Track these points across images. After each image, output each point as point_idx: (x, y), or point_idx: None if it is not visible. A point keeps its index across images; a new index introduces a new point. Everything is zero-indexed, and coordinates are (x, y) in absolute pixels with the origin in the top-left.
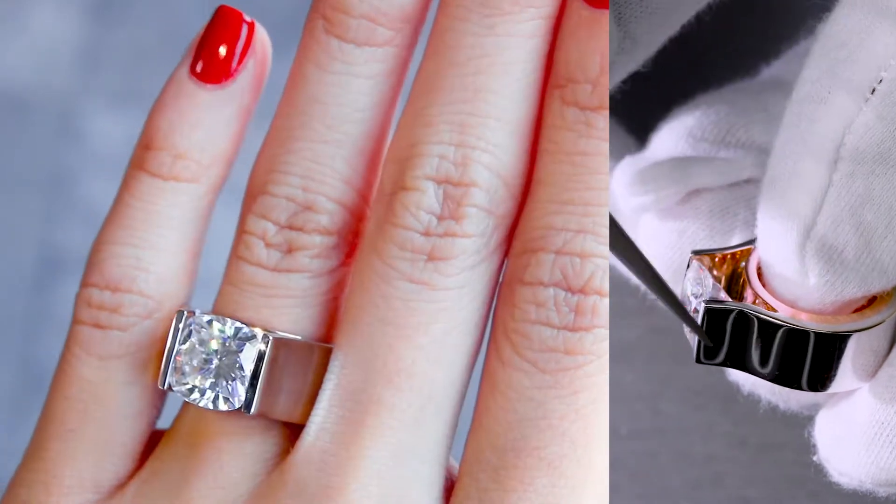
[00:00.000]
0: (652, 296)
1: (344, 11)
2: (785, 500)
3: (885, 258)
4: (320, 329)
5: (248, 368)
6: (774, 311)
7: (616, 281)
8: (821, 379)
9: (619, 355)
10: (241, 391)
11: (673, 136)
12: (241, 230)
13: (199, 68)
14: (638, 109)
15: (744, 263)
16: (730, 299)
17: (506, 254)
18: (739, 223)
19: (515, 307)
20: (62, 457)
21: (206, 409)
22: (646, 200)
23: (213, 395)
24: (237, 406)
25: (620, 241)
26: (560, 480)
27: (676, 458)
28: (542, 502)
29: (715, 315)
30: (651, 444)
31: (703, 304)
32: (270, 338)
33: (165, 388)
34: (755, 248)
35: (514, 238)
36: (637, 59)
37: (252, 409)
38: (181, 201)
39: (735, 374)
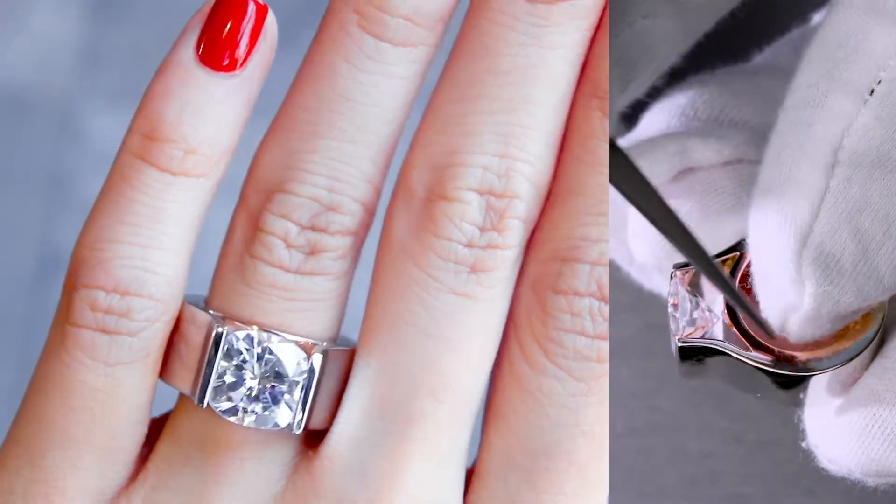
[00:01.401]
0: (646, 292)
1: (385, 10)
2: (781, 497)
3: (882, 267)
4: (336, 330)
5: (297, 391)
6: (748, 349)
7: (611, 277)
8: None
9: (614, 352)
10: (286, 412)
11: (665, 114)
12: (257, 227)
13: (206, 53)
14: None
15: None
16: (704, 320)
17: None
18: (732, 202)
19: (548, 315)
20: (65, 466)
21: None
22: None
23: (254, 416)
24: (282, 427)
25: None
26: (587, 482)
27: (672, 455)
28: (570, 503)
29: (690, 347)
30: (647, 442)
31: (676, 343)
32: (320, 357)
33: (203, 406)
34: (741, 254)
35: (537, 242)
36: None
37: (298, 430)
38: (189, 197)
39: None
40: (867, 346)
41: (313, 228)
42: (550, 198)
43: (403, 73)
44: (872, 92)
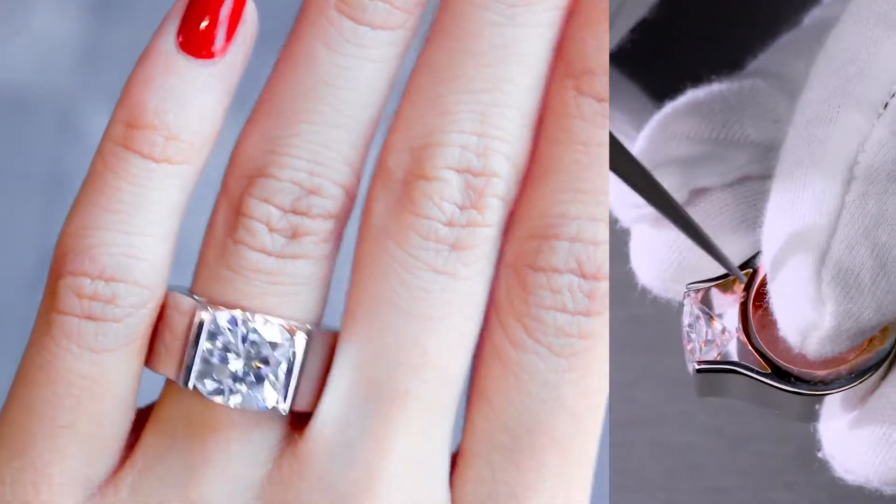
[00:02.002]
0: (629, 286)
1: None
2: (761, 490)
3: None
4: (319, 313)
5: (281, 371)
6: (766, 369)
7: None
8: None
9: None
10: (271, 393)
11: (665, 135)
12: (239, 212)
13: (187, 41)
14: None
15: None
16: (719, 340)
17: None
18: (738, 220)
19: (528, 292)
20: (51, 453)
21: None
22: (645, 212)
23: (239, 398)
24: (268, 407)
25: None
26: (569, 458)
27: (652, 447)
28: (555, 481)
29: (707, 369)
30: (627, 434)
31: (693, 365)
32: (304, 338)
33: (189, 387)
34: (754, 271)
35: (515, 221)
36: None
37: (284, 412)
38: (172, 184)
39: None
40: (885, 358)
41: (295, 212)
42: (528, 177)
43: (382, 57)
44: (886, 105)
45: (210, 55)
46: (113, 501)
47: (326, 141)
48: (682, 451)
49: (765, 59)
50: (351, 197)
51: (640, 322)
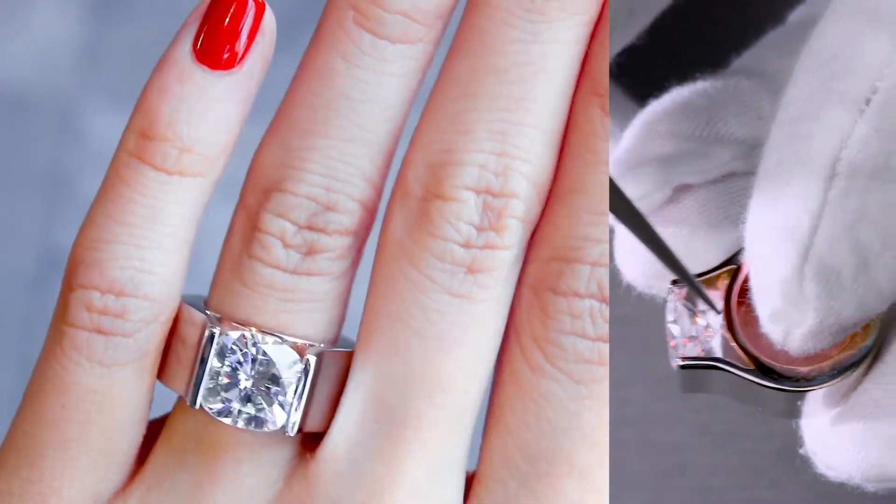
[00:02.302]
0: (615, 284)
1: (381, 6)
2: (747, 488)
3: (882, 278)
4: (336, 331)
5: (290, 392)
6: (750, 365)
7: None
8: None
9: None
10: (280, 414)
11: (649, 134)
12: (254, 227)
13: (204, 50)
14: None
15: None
16: (702, 336)
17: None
18: (722, 217)
19: (549, 317)
20: (61, 467)
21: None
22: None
23: (247, 417)
24: (276, 428)
25: (627, 212)
26: (587, 486)
27: (640, 446)
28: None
29: (690, 365)
30: (615, 433)
31: (676, 361)
32: (314, 358)
33: (196, 406)
34: (737, 268)
35: (537, 242)
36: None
37: (293, 432)
38: (185, 197)
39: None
40: (867, 354)
41: (311, 228)
42: (551, 197)
43: (401, 71)
44: (869, 102)
45: (227, 66)
46: None
47: (343, 156)
48: (668, 450)
49: (749, 58)
50: (369, 213)
51: (626, 321)
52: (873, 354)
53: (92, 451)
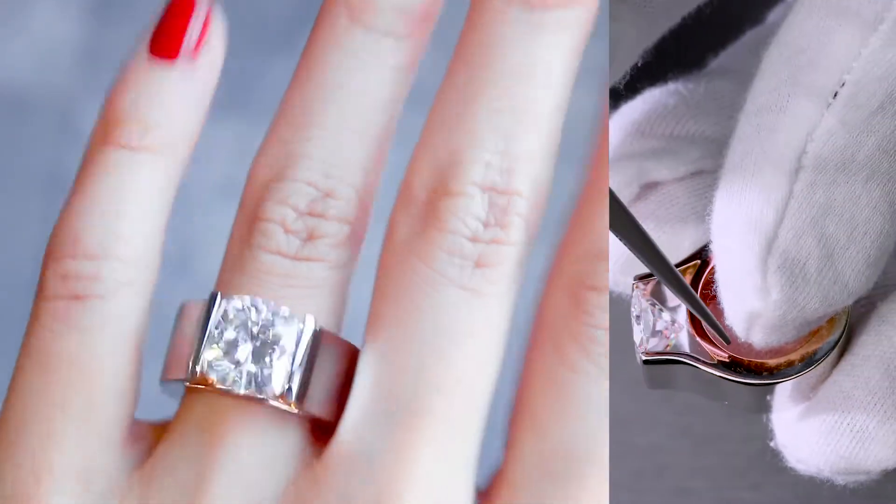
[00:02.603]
0: None
1: (372, 2)
2: (727, 490)
3: (847, 271)
4: (336, 321)
5: (290, 353)
6: (713, 359)
7: None
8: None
9: None
10: (279, 377)
11: (621, 132)
12: (255, 217)
13: (157, 45)
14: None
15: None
16: (668, 331)
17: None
18: (687, 213)
19: (585, 312)
20: (48, 439)
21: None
22: None
23: (248, 378)
24: (276, 394)
25: (626, 226)
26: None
27: (619, 448)
28: None
29: (654, 360)
30: None
31: (641, 357)
32: (312, 320)
33: (197, 374)
34: (703, 261)
35: (570, 242)
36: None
37: (292, 398)
38: (152, 169)
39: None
40: (835, 346)
41: (311, 214)
42: (582, 197)
43: (393, 63)
44: (836, 95)
45: (177, 58)
46: None
47: (341, 144)
48: (647, 452)
49: (726, 58)
50: (365, 203)
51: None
52: (841, 347)
53: (76, 419)
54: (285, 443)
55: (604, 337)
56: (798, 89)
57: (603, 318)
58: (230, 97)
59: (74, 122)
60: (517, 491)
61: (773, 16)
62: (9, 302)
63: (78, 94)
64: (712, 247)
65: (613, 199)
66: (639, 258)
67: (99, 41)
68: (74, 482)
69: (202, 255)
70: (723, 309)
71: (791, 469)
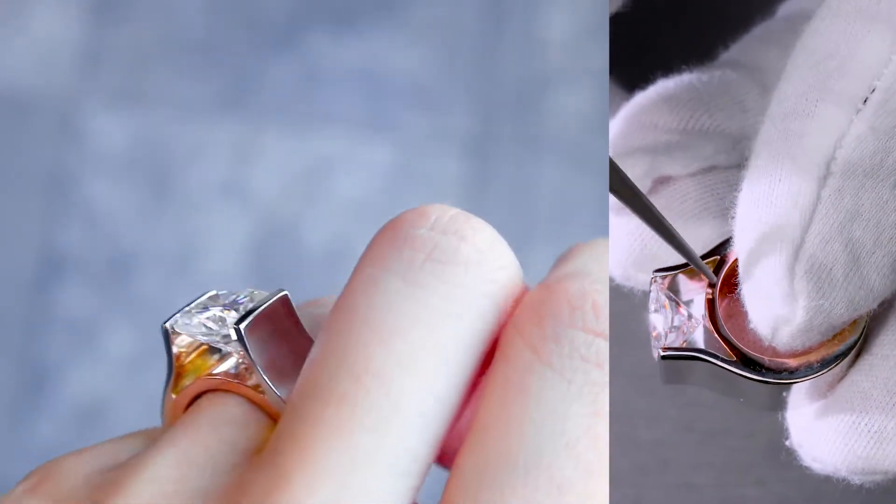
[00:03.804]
0: None
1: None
2: (731, 486)
3: (873, 275)
4: None
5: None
6: (732, 357)
7: None
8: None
9: None
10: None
11: (634, 127)
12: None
13: None
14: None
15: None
16: (685, 326)
17: None
18: (700, 209)
19: (545, 306)
20: None
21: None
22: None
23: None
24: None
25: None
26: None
27: (623, 443)
28: None
29: (672, 356)
30: None
31: (658, 351)
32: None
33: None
34: (721, 258)
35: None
36: None
37: (243, 325)
38: None
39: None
40: (854, 346)
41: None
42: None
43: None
44: (866, 101)
45: None
46: None
47: None
48: (651, 447)
49: (736, 51)
50: None
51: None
52: (858, 347)
53: None
54: (243, 435)
55: (567, 336)
56: (827, 95)
57: (570, 316)
58: (230, 97)
59: (74, 122)
60: (453, 494)
61: (782, 10)
62: (9, 302)
63: (78, 95)
64: (736, 248)
65: (613, 166)
66: (640, 217)
67: (99, 42)
68: None
69: (202, 255)
70: (747, 312)
71: (797, 465)
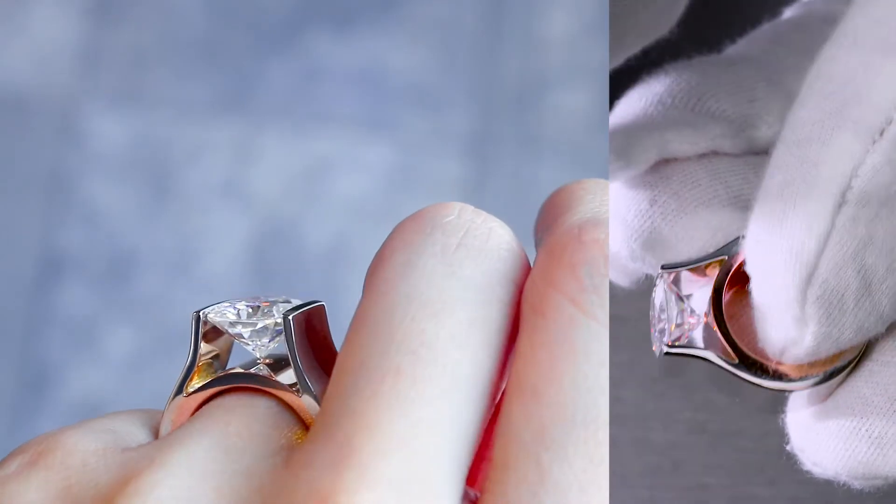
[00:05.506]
0: (611, 284)
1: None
2: (743, 487)
3: (884, 301)
4: None
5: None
6: (734, 358)
7: None
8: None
9: None
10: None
11: (642, 101)
12: None
13: None
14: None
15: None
16: (688, 323)
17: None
18: (709, 196)
19: (577, 261)
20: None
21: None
22: (615, 167)
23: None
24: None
25: None
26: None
27: (636, 445)
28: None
29: (675, 353)
30: (611, 432)
31: (663, 347)
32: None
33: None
34: (728, 258)
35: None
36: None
37: (293, 315)
38: None
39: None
40: (858, 355)
41: None
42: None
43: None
44: (883, 133)
45: None
46: None
47: None
48: (664, 449)
49: (743, 45)
50: None
51: (622, 320)
52: (861, 354)
53: None
54: (277, 432)
55: (603, 285)
56: (843, 123)
57: (604, 265)
58: (230, 97)
59: (74, 122)
60: (509, 471)
61: (789, 12)
62: (9, 302)
63: (78, 95)
64: (749, 270)
65: None
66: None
67: (99, 43)
68: None
69: (202, 255)
70: (756, 330)
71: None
